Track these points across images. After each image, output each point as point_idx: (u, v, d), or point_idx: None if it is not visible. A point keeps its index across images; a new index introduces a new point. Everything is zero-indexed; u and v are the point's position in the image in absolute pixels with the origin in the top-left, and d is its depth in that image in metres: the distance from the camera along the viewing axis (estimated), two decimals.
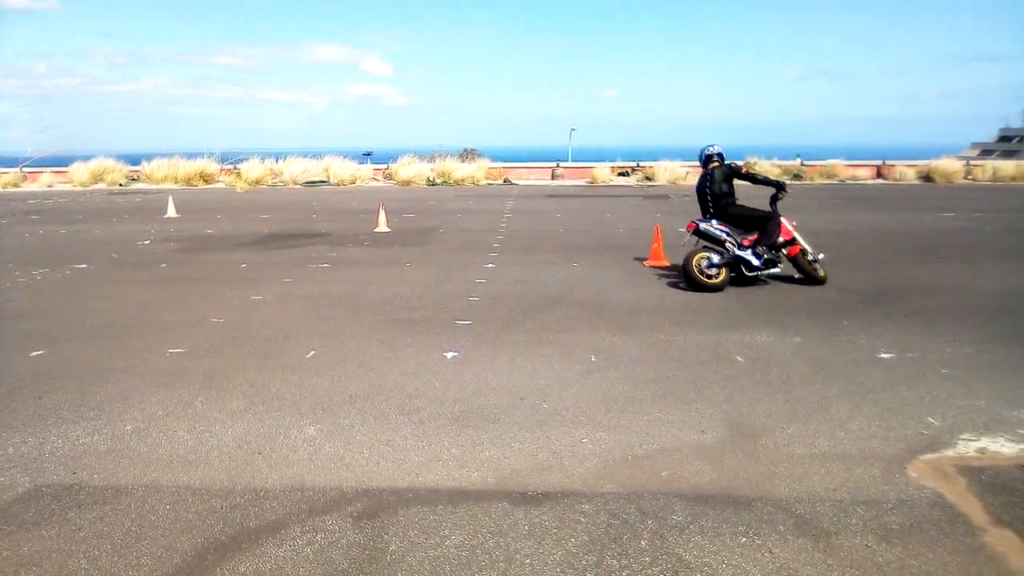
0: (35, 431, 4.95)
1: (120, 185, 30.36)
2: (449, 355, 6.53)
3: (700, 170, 10.15)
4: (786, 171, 30.04)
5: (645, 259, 11.26)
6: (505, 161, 34.24)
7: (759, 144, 43.22)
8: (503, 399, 5.47)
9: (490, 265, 11.08)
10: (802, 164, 31.00)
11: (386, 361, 6.39)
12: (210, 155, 31.88)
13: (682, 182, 28.94)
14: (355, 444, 4.69)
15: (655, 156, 33.04)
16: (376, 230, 14.96)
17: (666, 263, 10.89)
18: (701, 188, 9.90)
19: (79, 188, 29.64)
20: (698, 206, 10.04)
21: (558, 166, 32.48)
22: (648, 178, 30.44)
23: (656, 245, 11.11)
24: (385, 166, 32.14)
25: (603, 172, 30.81)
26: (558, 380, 5.87)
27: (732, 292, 9.03)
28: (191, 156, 32.20)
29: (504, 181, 30.84)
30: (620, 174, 31.63)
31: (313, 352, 6.66)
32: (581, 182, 30.46)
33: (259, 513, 3.86)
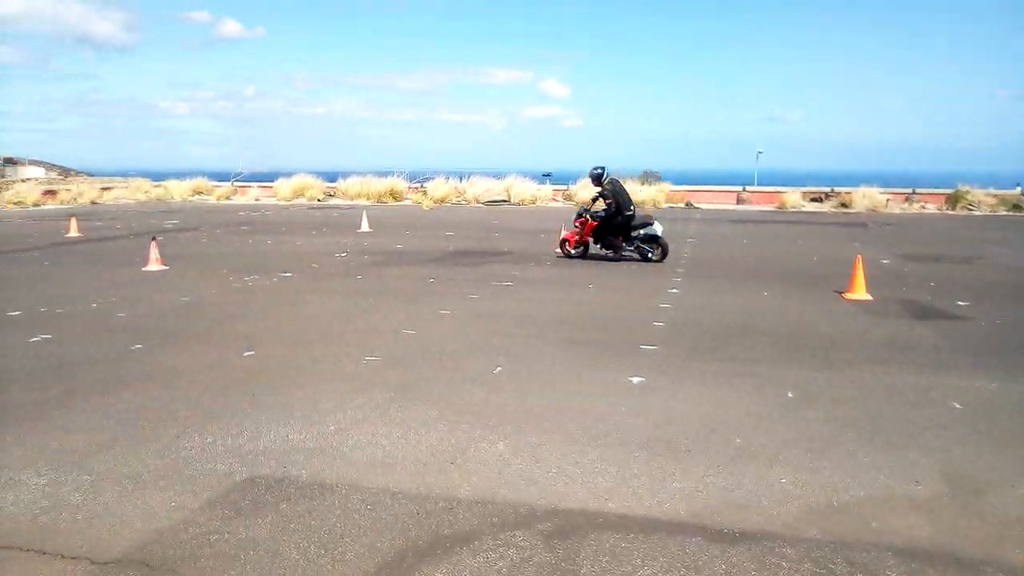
0: (249, 426, 5.41)
1: (318, 200, 32.80)
2: (635, 380, 6.48)
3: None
4: (1003, 201, 27.40)
5: (844, 291, 10.65)
6: (686, 184, 33.69)
7: (967, 170, 39.66)
8: (693, 430, 5.34)
9: (674, 290, 10.90)
10: (1023, 194, 28.12)
11: (570, 382, 6.44)
12: (399, 174, 33.77)
13: (883, 210, 27.13)
14: (543, 462, 4.75)
15: (851, 181, 31.29)
16: (558, 250, 15.17)
17: (868, 296, 10.23)
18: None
19: (282, 202, 32.32)
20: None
21: (744, 190, 31.52)
22: (844, 205, 28.81)
23: (857, 276, 10.48)
24: (565, 187, 32.58)
25: (793, 197, 29.54)
26: (751, 414, 5.66)
27: (945, 327, 8.33)
28: (382, 174, 34.28)
29: (686, 205, 30.33)
30: (812, 200, 30.18)
31: (499, 368, 6.84)
32: (769, 207, 29.36)
33: (453, 522, 3.99)
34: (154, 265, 12.66)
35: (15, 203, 29.38)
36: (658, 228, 13.80)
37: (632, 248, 13.93)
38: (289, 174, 35.23)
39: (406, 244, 16.63)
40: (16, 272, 12.60)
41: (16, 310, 9.39)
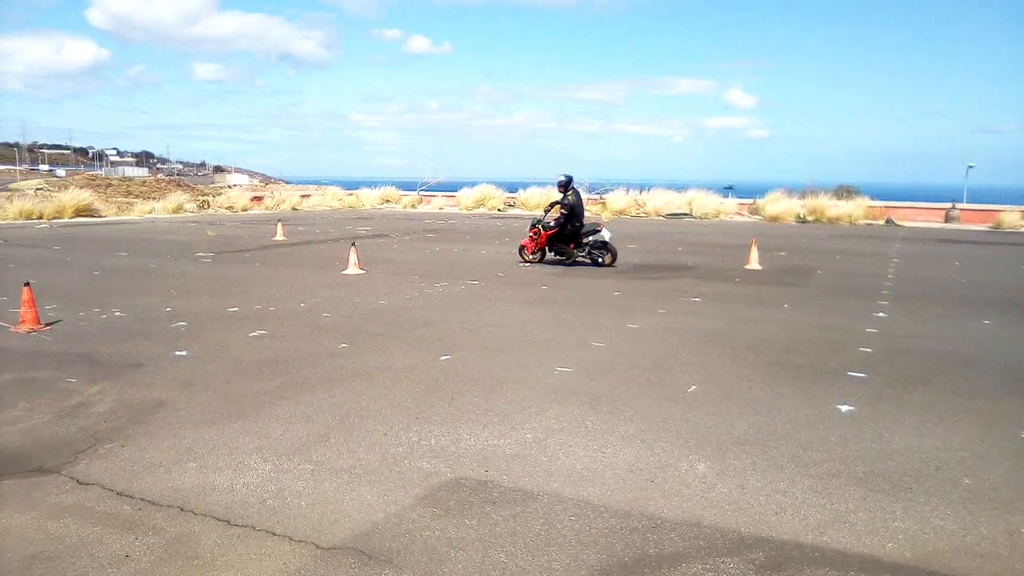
0: (450, 428, 5.63)
1: (499, 210, 33.73)
2: (844, 408, 6.13)
3: None
4: None
5: None
6: (886, 199, 31.57)
7: None
8: (913, 466, 4.98)
9: (880, 314, 10.24)
10: None
11: (772, 406, 6.20)
12: (578, 185, 34.01)
13: None
14: (750, 489, 4.60)
15: None
16: (747, 266, 14.68)
17: None
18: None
19: (464, 211, 33.52)
20: None
21: (953, 207, 29.11)
22: None
23: None
24: (751, 200, 31.53)
25: (1012, 216, 26.94)
26: (978, 454, 5.20)
27: None
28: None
29: (886, 222, 28.43)
30: None
31: (694, 387, 6.70)
32: (982, 227, 26.94)
33: (657, 541, 3.95)
34: (353, 269, 13.50)
35: (227, 208, 32.39)
36: (606, 235, 15.06)
37: (584, 254, 15.02)
38: (472, 184, 36.51)
39: None
40: (232, 272, 13.86)
41: (234, 306, 10.31)
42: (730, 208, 31.15)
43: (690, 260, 16.06)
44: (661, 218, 30.08)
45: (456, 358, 7.65)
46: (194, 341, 8.30)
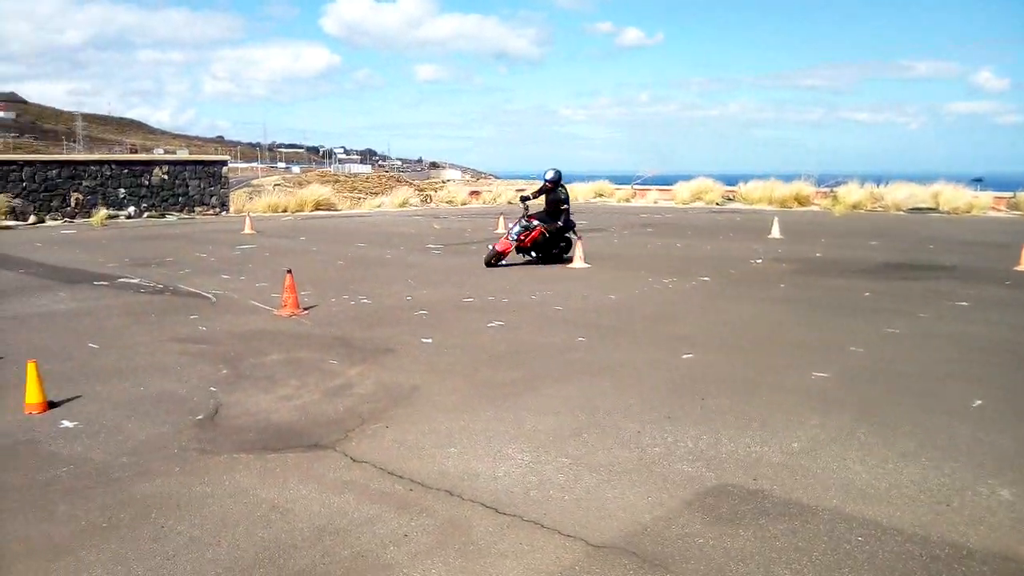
0: (706, 431, 5.43)
1: (717, 204, 32.71)
2: None
3: None
4: None
5: None
6: None
7: None
8: None
9: None
10: None
11: None
12: (806, 177, 32.25)
13: None
14: None
15: None
16: (1020, 268, 13.13)
17: None
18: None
19: (680, 205, 32.81)
20: None
21: None
22: None
23: None
24: (1010, 194, 28.31)
25: None
26: None
27: None
28: (785, 178, 33.04)
29: None
30: None
31: (979, 402, 6.02)
32: None
33: (965, 572, 3.54)
34: (578, 263, 13.57)
35: (447, 202, 33.92)
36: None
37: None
38: (688, 177, 35.70)
39: (825, 252, 15.72)
40: (461, 263, 14.41)
41: (469, 297, 10.69)
42: (984, 202, 28.11)
43: (946, 259, 14.63)
44: (902, 213, 27.75)
45: (699, 357, 7.42)
46: (437, 329, 8.67)
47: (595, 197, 36.88)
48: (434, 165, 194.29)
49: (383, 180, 55.84)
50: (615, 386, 6.50)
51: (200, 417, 5.82)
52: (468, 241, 18.34)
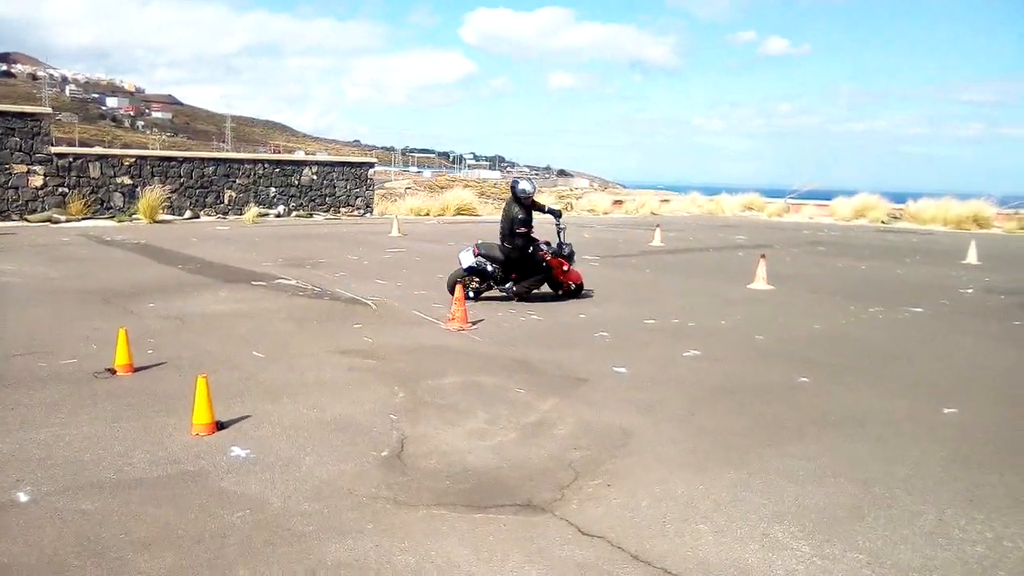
0: None
1: (882, 222, 30.23)
2: None
3: None
4: None
5: None
6: None
7: None
8: None
9: None
10: None
11: None
12: (987, 197, 29.34)
13: None
14: None
15: None
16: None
17: None
18: None
19: (840, 222, 30.53)
20: None
21: None
22: None
23: None
24: None
25: None
26: None
27: None
28: (961, 197, 30.20)
29: None
30: None
31: None
32: None
33: None
34: (760, 283, 12.24)
35: (588, 211, 32.89)
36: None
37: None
38: (849, 193, 33.29)
39: None
40: (625, 277, 13.31)
41: (650, 318, 9.59)
42: None
43: None
44: None
45: (965, 412, 6.05)
46: (626, 356, 7.64)
47: (743, 210, 34.99)
48: (562, 173, 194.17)
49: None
50: (874, 447, 5.26)
51: (385, 454, 4.99)
52: (625, 253, 17.21)
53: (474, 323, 8.96)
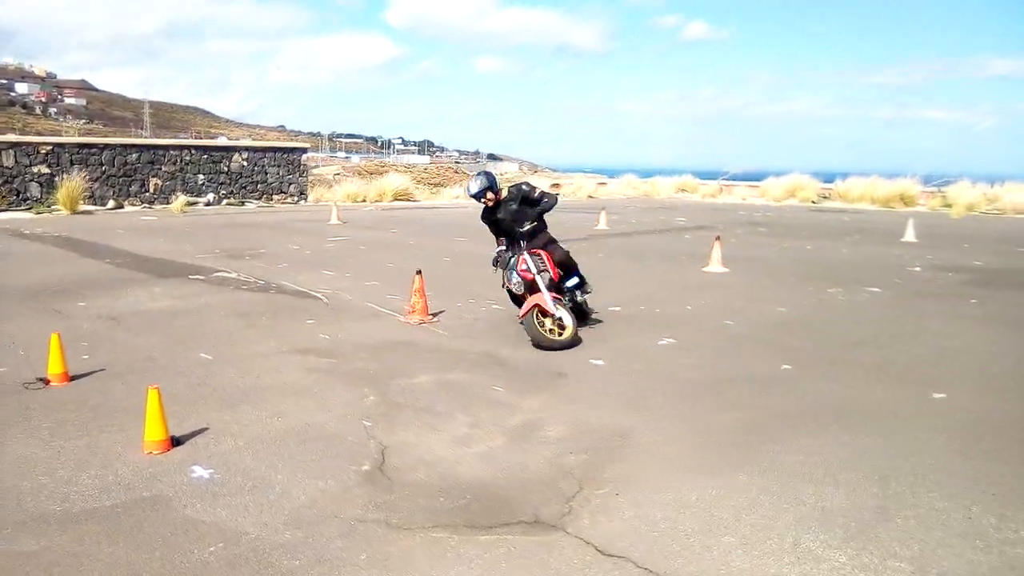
0: None
1: (812, 202, 30.71)
2: None
3: None
4: None
5: None
6: None
7: None
8: None
9: None
10: None
11: None
12: (912, 176, 30.09)
13: None
14: None
15: None
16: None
17: None
18: None
19: (772, 202, 30.89)
20: None
21: None
22: None
23: None
24: None
25: None
26: None
27: None
28: (888, 176, 30.91)
29: None
30: None
31: None
32: None
33: None
34: (716, 266, 12.05)
35: None
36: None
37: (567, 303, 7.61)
38: (778, 174, 33.73)
39: (986, 261, 13.88)
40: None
41: (614, 305, 9.25)
42: None
43: None
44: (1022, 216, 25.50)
45: (955, 398, 5.88)
46: (599, 347, 7.29)
47: (677, 192, 35.16)
48: (492, 157, 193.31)
49: (440, 171, 54.76)
50: (878, 439, 5.03)
51: (366, 467, 4.51)
52: (573, 238, 16.84)
53: (434, 315, 8.48)
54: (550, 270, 7.56)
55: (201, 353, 6.90)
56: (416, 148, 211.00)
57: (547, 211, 8.02)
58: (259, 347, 7.16)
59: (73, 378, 6.04)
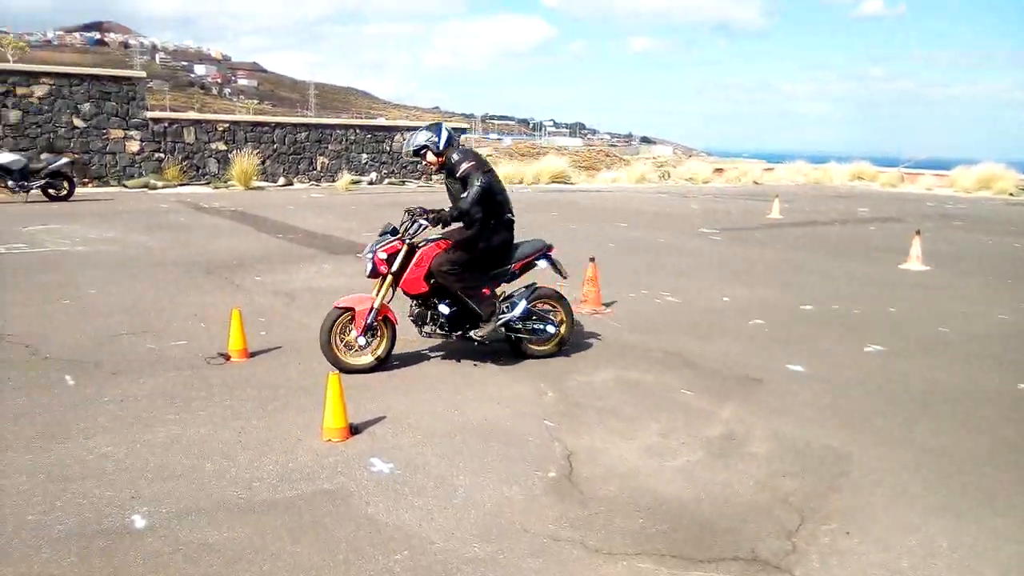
0: None
1: (1010, 195, 27.90)
2: None
3: None
4: None
5: None
6: None
7: None
8: None
9: None
10: None
11: None
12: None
13: None
14: None
15: None
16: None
17: None
18: None
19: (962, 193, 28.32)
20: None
21: None
22: None
23: None
24: None
25: None
26: None
27: None
28: None
29: None
30: None
31: None
32: None
33: None
34: (915, 263, 10.93)
35: (687, 179, 31.42)
36: (542, 263, 6.43)
37: (510, 315, 6.04)
38: (971, 163, 30.86)
39: None
40: (753, 254, 12.16)
41: (806, 304, 8.50)
42: None
43: None
44: None
45: None
46: (796, 350, 6.63)
47: (853, 180, 32.91)
48: (645, 140, 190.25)
49: (592, 154, 54.17)
50: None
51: (552, 474, 4.15)
52: (743, 227, 15.97)
53: (607, 305, 8.06)
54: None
55: None
56: (567, 130, 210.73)
57: (463, 216, 5.77)
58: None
59: (252, 354, 6.05)
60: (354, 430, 4.62)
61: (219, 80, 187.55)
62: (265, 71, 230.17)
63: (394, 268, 5.76)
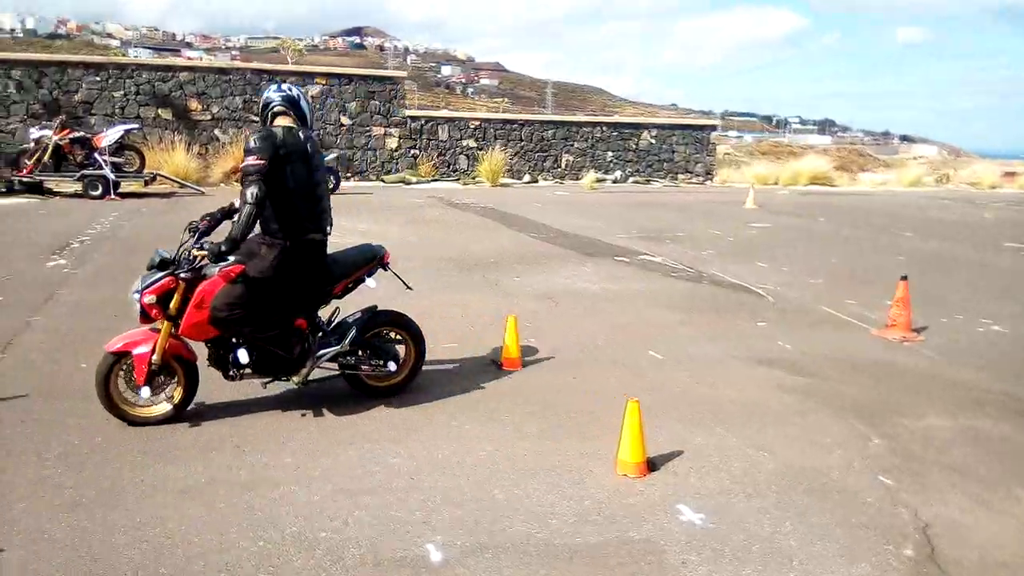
0: None
1: None
2: None
3: None
4: None
5: None
6: None
7: None
8: None
9: None
10: None
11: None
12: None
13: None
14: None
15: None
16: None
17: None
18: None
19: None
20: None
21: None
22: None
23: None
24: None
25: None
26: None
27: None
28: None
29: None
30: None
31: None
32: None
33: None
34: None
35: (970, 184, 28.05)
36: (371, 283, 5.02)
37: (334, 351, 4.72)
38: None
39: None
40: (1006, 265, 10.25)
41: None
42: None
43: None
44: None
45: None
46: None
47: None
48: (905, 139, 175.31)
49: (842, 154, 50.31)
50: None
51: (909, 553, 3.38)
52: None
53: (917, 331, 6.96)
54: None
55: (649, 351, 6.26)
56: (815, 128, 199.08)
57: (235, 247, 4.36)
58: (708, 349, 6.34)
59: (525, 364, 5.74)
60: (651, 465, 4.10)
61: (463, 80, 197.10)
62: (506, 71, 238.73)
63: (171, 311, 4.39)
